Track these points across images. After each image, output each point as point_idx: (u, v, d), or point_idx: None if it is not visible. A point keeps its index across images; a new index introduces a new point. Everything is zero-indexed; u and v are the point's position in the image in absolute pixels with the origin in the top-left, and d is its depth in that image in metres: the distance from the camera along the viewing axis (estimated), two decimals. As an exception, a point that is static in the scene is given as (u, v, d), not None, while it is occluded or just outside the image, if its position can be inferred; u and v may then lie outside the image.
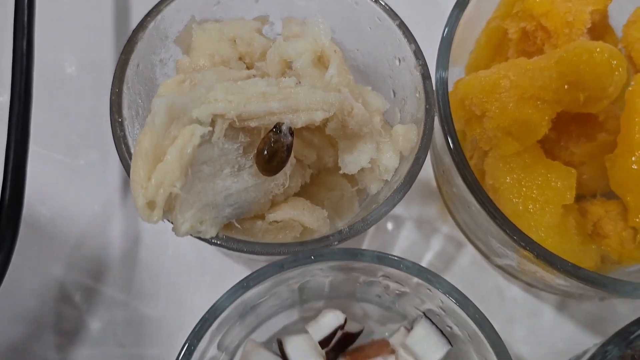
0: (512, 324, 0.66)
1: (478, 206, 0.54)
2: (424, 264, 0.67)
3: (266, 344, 0.64)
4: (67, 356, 0.64)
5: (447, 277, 0.61)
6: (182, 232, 0.52)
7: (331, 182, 0.63)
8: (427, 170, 0.69)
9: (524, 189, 0.56)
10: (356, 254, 0.53)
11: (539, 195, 0.55)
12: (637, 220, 0.56)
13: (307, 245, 0.54)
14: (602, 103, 0.55)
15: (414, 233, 0.68)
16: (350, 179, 0.63)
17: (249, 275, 0.52)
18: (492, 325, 0.53)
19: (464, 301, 0.53)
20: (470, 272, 0.67)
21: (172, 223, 0.52)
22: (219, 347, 0.57)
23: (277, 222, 0.57)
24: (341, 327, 0.60)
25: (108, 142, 0.54)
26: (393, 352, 0.59)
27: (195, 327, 0.52)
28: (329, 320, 0.60)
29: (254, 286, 0.53)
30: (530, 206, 0.55)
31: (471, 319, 0.53)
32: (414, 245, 0.68)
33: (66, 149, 0.70)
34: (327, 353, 0.61)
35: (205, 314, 0.52)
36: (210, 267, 0.67)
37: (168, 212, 0.51)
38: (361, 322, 0.63)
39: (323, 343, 0.60)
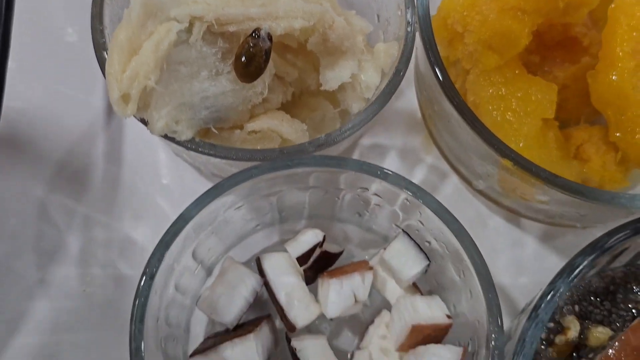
0: (495, 254, 0.66)
1: (458, 116, 0.53)
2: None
3: (245, 265, 0.63)
4: (46, 275, 0.64)
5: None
6: (157, 129, 0.52)
7: (313, 103, 0.63)
8: (412, 102, 0.69)
9: (504, 102, 0.55)
10: (338, 162, 0.53)
11: (518, 107, 0.55)
12: (617, 135, 0.56)
13: (283, 152, 0.54)
14: (581, 11, 0.54)
15: (398, 163, 0.68)
16: (333, 100, 0.63)
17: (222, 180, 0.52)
18: (470, 236, 0.52)
19: (442, 211, 0.53)
20: (452, 201, 0.66)
21: (147, 122, 0.52)
22: (194, 256, 0.57)
23: (255, 132, 0.57)
24: (320, 244, 0.60)
25: (93, 65, 0.54)
26: (371, 269, 0.58)
27: (166, 231, 0.52)
28: (308, 238, 0.60)
29: (226, 191, 0.52)
30: (510, 116, 0.55)
31: (450, 229, 0.53)
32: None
33: (51, 70, 0.70)
34: (305, 271, 0.60)
35: (177, 218, 0.52)
36: (192, 191, 0.66)
37: (143, 109, 0.52)
38: (342, 245, 0.63)
39: (301, 260, 0.60)
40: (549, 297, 0.51)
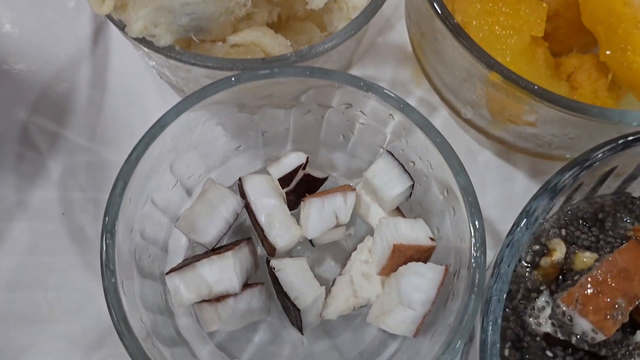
0: (484, 189, 0.65)
1: (446, 31, 0.52)
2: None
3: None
4: (25, 197, 0.63)
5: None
6: (135, 30, 0.51)
7: (299, 27, 0.62)
8: (403, 35, 0.68)
9: (492, 17, 0.54)
10: (320, 72, 0.52)
11: (506, 22, 0.54)
12: (608, 53, 0.54)
13: (265, 61, 0.53)
14: None
15: (386, 94, 0.66)
16: (319, 23, 0.62)
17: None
18: (453, 150, 0.51)
19: (426, 124, 0.52)
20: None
21: (124, 25, 0.52)
22: (172, 171, 0.56)
23: (238, 46, 0.56)
24: (302, 166, 0.58)
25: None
26: (354, 190, 0.57)
27: (143, 136, 0.51)
28: (291, 160, 0.58)
29: (206, 98, 0.51)
30: (497, 31, 0.53)
31: (432, 141, 0.51)
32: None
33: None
34: (288, 195, 0.59)
35: (154, 124, 0.51)
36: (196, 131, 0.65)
37: (121, 9, 0.51)
38: (327, 173, 0.62)
39: (283, 182, 0.58)
40: (529, 210, 0.49)
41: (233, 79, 0.51)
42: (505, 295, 0.53)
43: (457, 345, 0.47)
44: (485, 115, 0.60)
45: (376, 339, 0.60)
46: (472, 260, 0.49)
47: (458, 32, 0.52)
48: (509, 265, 0.49)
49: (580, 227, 0.56)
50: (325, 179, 0.61)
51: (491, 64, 0.51)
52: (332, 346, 0.60)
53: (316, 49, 0.53)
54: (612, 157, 0.50)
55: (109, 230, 0.49)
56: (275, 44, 0.56)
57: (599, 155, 0.50)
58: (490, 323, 0.47)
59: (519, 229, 0.49)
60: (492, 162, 0.65)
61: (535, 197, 0.50)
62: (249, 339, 0.60)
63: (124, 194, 0.49)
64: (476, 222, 0.50)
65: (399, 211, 0.59)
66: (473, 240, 0.49)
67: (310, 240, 0.59)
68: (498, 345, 0.47)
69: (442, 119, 0.66)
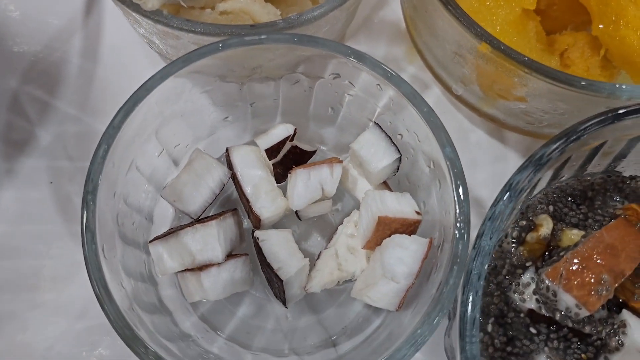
0: (475, 168, 0.64)
1: (436, 0, 0.52)
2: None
3: (215, 160, 0.62)
4: (14, 165, 0.63)
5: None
6: (122, -9, 0.50)
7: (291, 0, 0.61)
8: (397, 13, 0.67)
9: (483, -10, 0.54)
10: (309, 40, 0.51)
11: (497, -7, 0.53)
12: (600, 27, 0.54)
13: (253, 27, 0.53)
14: None
15: (379, 71, 0.66)
16: (311, -5, 0.61)
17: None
18: (439, 120, 0.50)
19: (413, 94, 0.51)
20: None
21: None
22: (157, 137, 0.56)
23: (226, 13, 0.56)
24: (290, 138, 0.58)
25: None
26: (341, 162, 0.56)
27: (128, 99, 0.50)
28: (278, 131, 0.58)
29: (193, 62, 0.51)
30: (489, 1, 0.53)
31: (419, 112, 0.51)
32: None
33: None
34: (275, 167, 0.59)
35: (139, 87, 0.51)
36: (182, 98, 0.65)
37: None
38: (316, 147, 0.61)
39: (270, 153, 0.58)
40: (512, 183, 0.48)
41: (220, 44, 0.51)
42: (486, 270, 0.52)
43: (436, 319, 0.47)
44: (475, 91, 0.59)
45: (360, 315, 0.59)
46: (455, 232, 0.48)
47: (448, 2, 0.51)
48: (490, 238, 0.48)
49: (569, 205, 0.55)
50: (313, 153, 0.61)
51: (481, 34, 0.51)
52: (316, 321, 0.59)
53: (305, 16, 0.53)
54: (600, 130, 0.49)
55: (90, 192, 0.48)
56: (264, 12, 0.55)
57: (587, 128, 0.49)
58: (470, 296, 0.47)
59: (501, 201, 0.48)
60: (484, 141, 0.65)
61: (519, 170, 0.49)
62: (233, 312, 0.59)
63: (106, 157, 0.49)
64: (460, 193, 0.49)
65: (386, 185, 0.59)
66: (457, 211, 0.49)
67: (297, 214, 0.58)
68: (478, 318, 0.46)
69: (434, 97, 0.66)
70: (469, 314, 0.46)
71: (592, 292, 0.48)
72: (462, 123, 0.65)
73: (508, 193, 0.48)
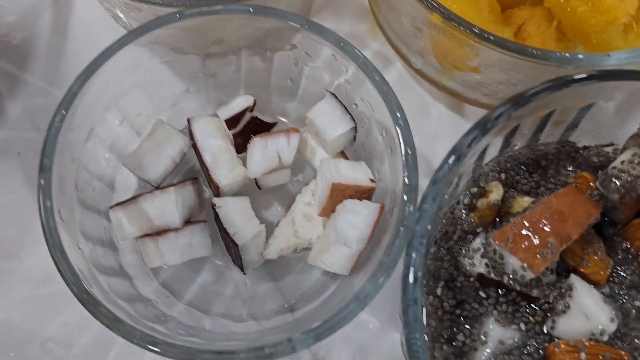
0: (435, 140, 0.65)
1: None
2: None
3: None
4: (-18, 136, 0.64)
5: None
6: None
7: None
8: (361, -9, 0.68)
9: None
10: (265, 10, 0.53)
11: (448, -35, 0.54)
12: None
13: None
14: None
15: (342, 47, 0.67)
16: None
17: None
18: (391, 89, 0.52)
19: (367, 65, 0.52)
20: (396, 88, 0.63)
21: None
22: (118, 106, 0.57)
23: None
24: (250, 109, 0.59)
25: None
26: (298, 131, 0.58)
27: (86, 67, 0.51)
28: (239, 102, 0.60)
29: (149, 32, 0.52)
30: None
31: (371, 81, 0.52)
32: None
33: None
34: (235, 137, 0.60)
35: (97, 55, 0.52)
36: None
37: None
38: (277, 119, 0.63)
39: (230, 123, 0.59)
40: (456, 147, 0.49)
41: (177, 14, 0.53)
42: (438, 235, 0.54)
43: (381, 278, 0.48)
44: (433, 63, 0.60)
45: (318, 282, 0.60)
46: (404, 195, 0.49)
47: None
48: (433, 201, 0.48)
49: (521, 173, 0.56)
50: (274, 124, 0.62)
51: (432, 5, 0.51)
52: (274, 288, 0.61)
53: None
54: (547, 97, 0.50)
55: (47, 156, 0.50)
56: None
57: (533, 94, 0.50)
58: (412, 257, 0.47)
59: (446, 165, 0.49)
60: (445, 115, 0.66)
61: (465, 135, 0.50)
62: (193, 279, 0.60)
63: (63, 122, 0.50)
64: (409, 158, 0.50)
65: (343, 155, 0.60)
66: (405, 174, 0.50)
67: (257, 184, 0.60)
68: (421, 280, 0.47)
69: (396, 72, 0.67)
70: (411, 274, 0.47)
71: (538, 255, 0.49)
72: (423, 97, 0.66)
73: (453, 156, 0.49)
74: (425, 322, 0.49)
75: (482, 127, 0.50)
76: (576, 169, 0.57)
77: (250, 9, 0.53)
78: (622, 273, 0.53)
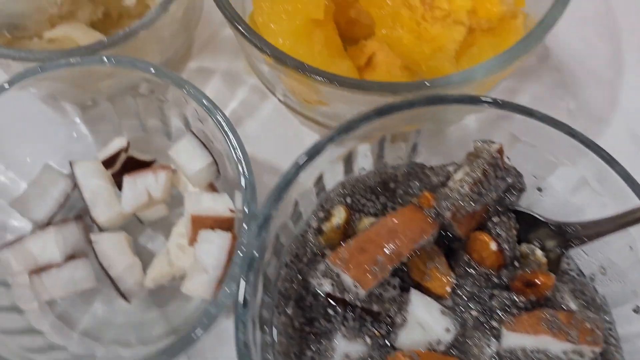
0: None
1: (225, 19, 0.57)
2: (228, 112, 0.71)
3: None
4: None
5: (251, 124, 0.66)
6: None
7: (130, 24, 0.68)
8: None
9: (271, 3, 0.59)
10: (119, 59, 0.58)
11: (283, 8, 0.58)
12: (383, 32, 0.58)
13: (72, 51, 0.59)
14: None
15: (220, 84, 0.72)
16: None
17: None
18: (229, 122, 0.56)
19: (208, 103, 0.57)
20: (273, 120, 0.70)
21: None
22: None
23: (53, 40, 0.62)
24: (124, 149, 0.64)
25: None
26: (166, 168, 0.62)
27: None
28: (114, 144, 0.64)
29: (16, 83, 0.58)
30: (274, 17, 0.58)
31: (209, 113, 0.56)
32: (219, 94, 0.71)
33: None
34: (115, 176, 0.65)
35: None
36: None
37: None
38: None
39: (107, 164, 0.64)
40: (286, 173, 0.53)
41: (39, 67, 0.58)
42: (289, 259, 0.58)
43: (221, 298, 0.52)
44: (291, 97, 0.64)
45: (199, 308, 0.64)
46: (243, 224, 0.54)
47: (234, 18, 0.57)
48: (260, 229, 0.52)
49: (367, 196, 0.60)
50: (151, 162, 0.67)
51: (261, 46, 0.56)
52: (161, 314, 0.65)
53: (133, 30, 0.59)
54: (369, 125, 0.54)
55: None
56: (87, 37, 0.62)
57: (354, 123, 0.54)
58: (242, 284, 0.51)
59: (268, 202, 0.53)
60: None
61: (295, 162, 0.53)
62: (86, 310, 0.65)
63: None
64: (247, 184, 0.54)
65: (212, 187, 0.64)
66: (246, 203, 0.54)
67: (138, 218, 0.65)
68: (248, 303, 0.50)
69: (272, 105, 0.71)
70: (239, 299, 0.50)
71: (367, 273, 0.53)
72: (298, 128, 0.70)
73: (280, 184, 0.53)
74: (276, 339, 0.54)
75: (310, 152, 0.54)
76: (423, 188, 0.60)
77: (105, 58, 0.58)
78: (464, 285, 0.56)
